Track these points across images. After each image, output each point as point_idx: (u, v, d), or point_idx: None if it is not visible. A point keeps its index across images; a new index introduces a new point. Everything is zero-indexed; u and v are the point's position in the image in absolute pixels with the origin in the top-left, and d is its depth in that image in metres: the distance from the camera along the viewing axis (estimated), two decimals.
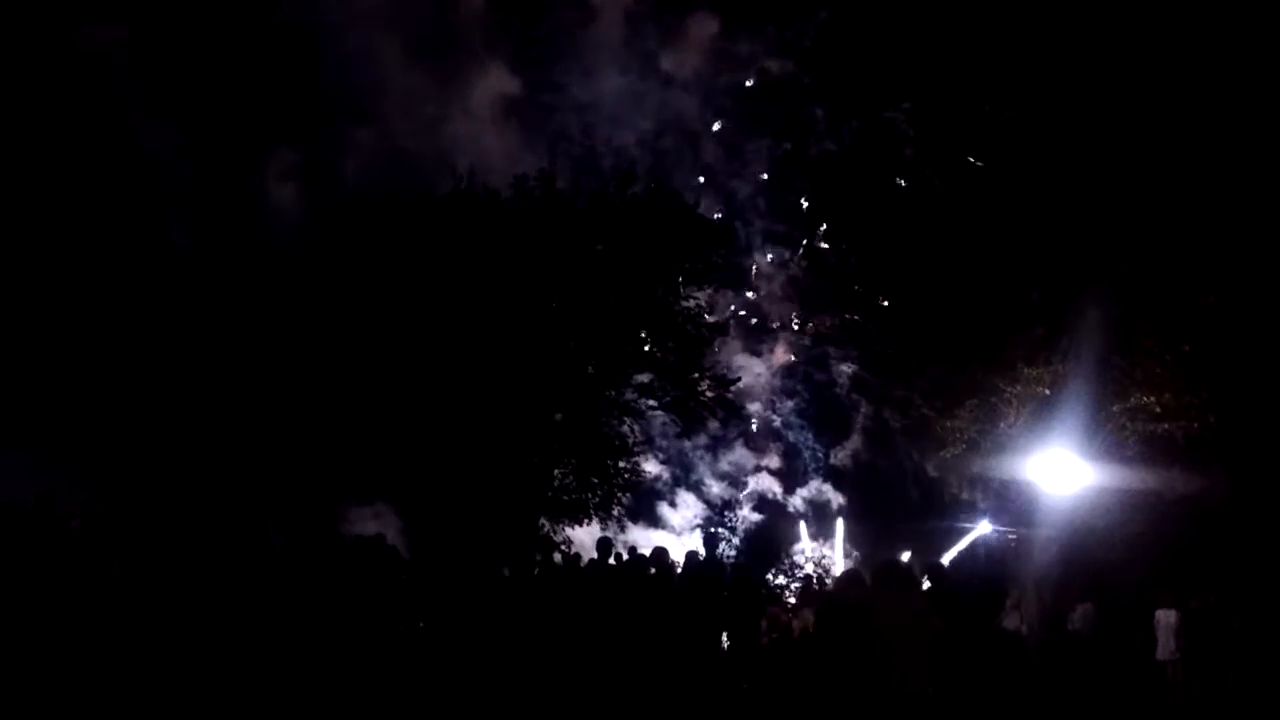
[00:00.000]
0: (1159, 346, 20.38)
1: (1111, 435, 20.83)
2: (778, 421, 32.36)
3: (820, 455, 32.42)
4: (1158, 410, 20.22)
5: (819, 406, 32.63)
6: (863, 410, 31.85)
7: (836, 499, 31.75)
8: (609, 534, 21.15)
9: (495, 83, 29.66)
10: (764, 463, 32.08)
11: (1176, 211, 21.05)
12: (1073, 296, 21.72)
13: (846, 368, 31.97)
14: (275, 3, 26.08)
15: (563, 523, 22.83)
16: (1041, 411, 21.32)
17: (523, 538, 21.09)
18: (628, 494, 23.70)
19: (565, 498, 22.89)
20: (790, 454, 32.53)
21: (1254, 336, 20.06)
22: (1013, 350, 21.87)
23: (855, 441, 32.06)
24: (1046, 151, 24.77)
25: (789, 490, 32.05)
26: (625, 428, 23.79)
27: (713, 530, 30.42)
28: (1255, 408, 19.85)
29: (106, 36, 23.70)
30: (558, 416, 23.07)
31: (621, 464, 23.29)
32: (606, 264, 23.06)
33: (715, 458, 31.31)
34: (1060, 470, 20.79)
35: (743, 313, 32.95)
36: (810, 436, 32.51)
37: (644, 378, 23.57)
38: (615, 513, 23.35)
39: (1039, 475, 21.12)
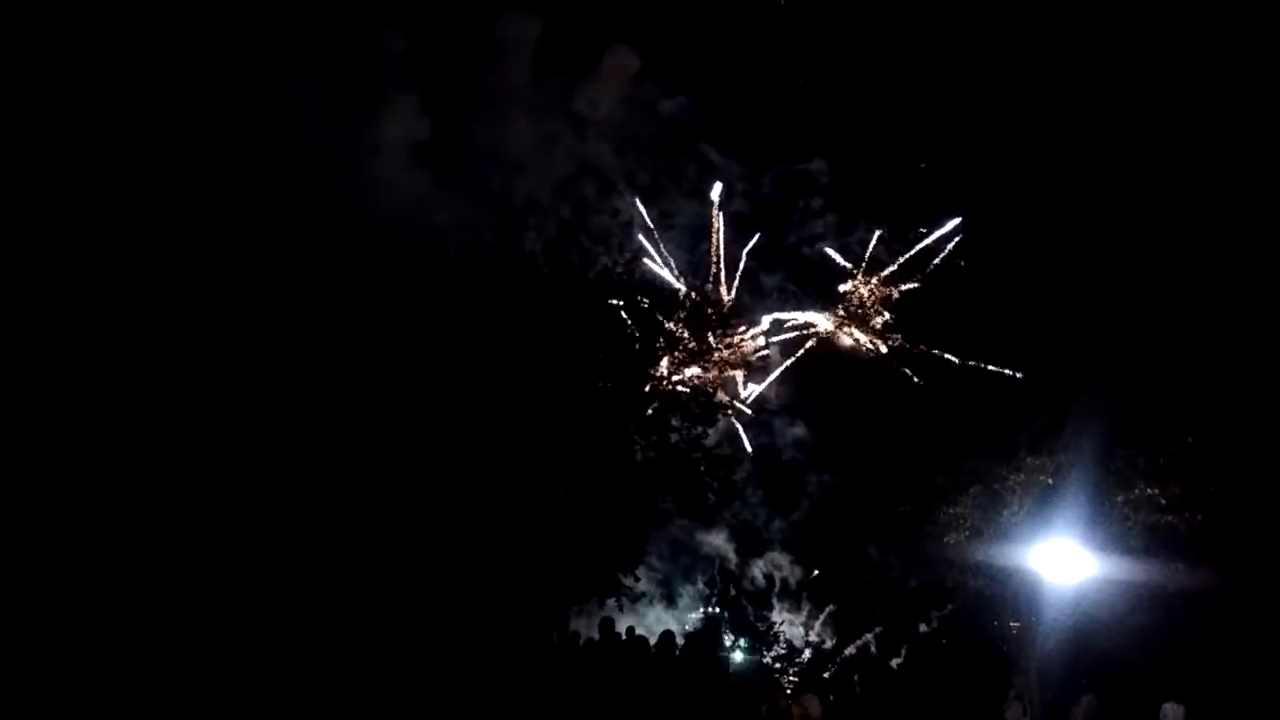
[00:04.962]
0: (1163, 438, 20.40)
1: (1115, 526, 20.74)
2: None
3: (775, 526, 31.53)
4: (1162, 502, 20.18)
5: (767, 474, 31.19)
6: (814, 479, 31.07)
7: (796, 571, 31.18)
8: (609, 614, 20.89)
9: (409, 127, 28.90)
10: (712, 534, 31.11)
11: (1180, 304, 21.22)
12: (1076, 385, 21.80)
13: (796, 430, 31.04)
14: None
15: (564, 604, 22.51)
16: (1045, 501, 21.25)
17: (521, 619, 20.82)
18: (631, 574, 23.44)
19: (566, 576, 22.60)
20: (741, 525, 31.46)
21: (1258, 430, 20.09)
22: (1016, 438, 21.87)
23: (808, 512, 31.13)
24: (1049, 239, 24.99)
25: (744, 561, 31.30)
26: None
27: (712, 612, 30.07)
28: (1260, 501, 19.82)
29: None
30: (560, 492, 22.88)
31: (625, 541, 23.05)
32: (608, 341, 23.06)
33: (660, 527, 29.89)
34: (1063, 560, 20.70)
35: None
36: (762, 507, 31.48)
37: (648, 456, 23.43)
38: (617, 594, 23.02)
39: (1042, 565, 21.01)
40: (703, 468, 23.77)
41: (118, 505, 20.43)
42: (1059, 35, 25.16)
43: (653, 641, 15.66)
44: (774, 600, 30.97)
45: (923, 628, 28.21)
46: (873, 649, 29.26)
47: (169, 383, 21.37)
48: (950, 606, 25.84)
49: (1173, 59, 23.14)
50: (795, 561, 31.09)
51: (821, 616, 30.47)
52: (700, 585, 30.81)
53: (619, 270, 23.22)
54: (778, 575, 31.13)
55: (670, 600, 30.19)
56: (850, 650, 29.49)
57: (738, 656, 29.27)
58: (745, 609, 30.77)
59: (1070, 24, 25.05)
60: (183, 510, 20.78)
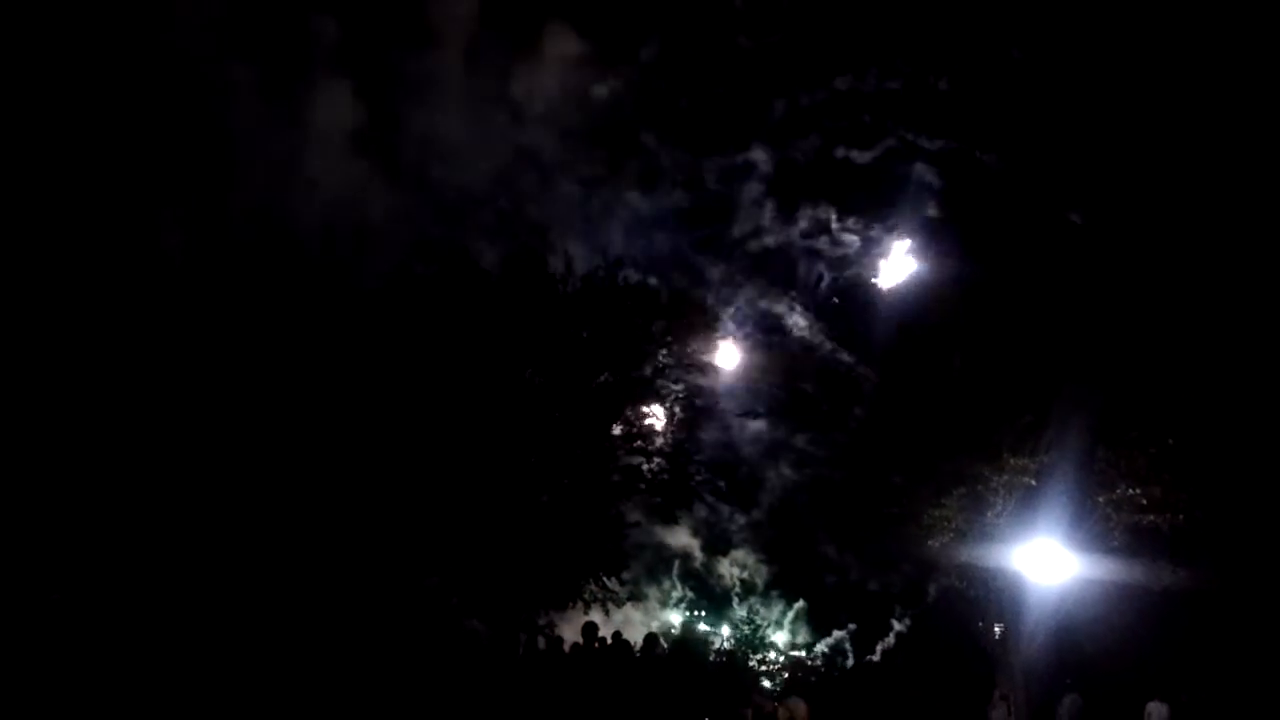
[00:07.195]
0: (1144, 439, 20.50)
1: (1097, 526, 20.86)
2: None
3: (740, 524, 31.27)
4: (1143, 502, 20.30)
5: (728, 470, 31.10)
6: (783, 475, 30.81)
7: (766, 569, 31.08)
8: (592, 618, 20.87)
9: (346, 116, 28.34)
10: (676, 534, 30.64)
11: (1163, 305, 21.32)
12: (1058, 386, 21.85)
13: (757, 425, 30.67)
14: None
15: (549, 609, 22.50)
16: (1028, 501, 21.32)
17: (508, 623, 20.80)
18: (616, 578, 23.41)
19: (552, 582, 22.59)
20: (705, 523, 31.04)
21: (1238, 431, 20.21)
22: (999, 439, 21.91)
23: (777, 508, 30.90)
24: (1036, 239, 24.99)
25: (712, 559, 31.08)
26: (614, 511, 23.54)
27: (690, 614, 30.03)
28: (1240, 501, 19.93)
29: None
30: (544, 498, 22.87)
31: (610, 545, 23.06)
32: (594, 347, 23.06)
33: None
34: (1047, 560, 20.76)
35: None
36: (725, 503, 31.04)
37: (633, 460, 23.44)
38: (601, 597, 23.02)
39: (1026, 565, 21.07)
40: (690, 470, 23.87)
41: (97, 513, 20.35)
42: (1037, 23, 25.19)
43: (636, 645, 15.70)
44: (752, 600, 30.90)
45: (898, 626, 28.28)
46: (848, 647, 29.29)
47: (146, 390, 21.25)
48: (922, 604, 25.92)
49: (1159, 54, 23.21)
50: (769, 561, 31.02)
51: (792, 614, 30.48)
52: (666, 586, 30.77)
53: (601, 274, 23.28)
54: (747, 575, 31.06)
55: (638, 600, 29.99)
56: (826, 650, 29.54)
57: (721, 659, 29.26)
58: (724, 610, 30.79)
59: (1053, 14, 25.09)
60: (161, 518, 20.72)
